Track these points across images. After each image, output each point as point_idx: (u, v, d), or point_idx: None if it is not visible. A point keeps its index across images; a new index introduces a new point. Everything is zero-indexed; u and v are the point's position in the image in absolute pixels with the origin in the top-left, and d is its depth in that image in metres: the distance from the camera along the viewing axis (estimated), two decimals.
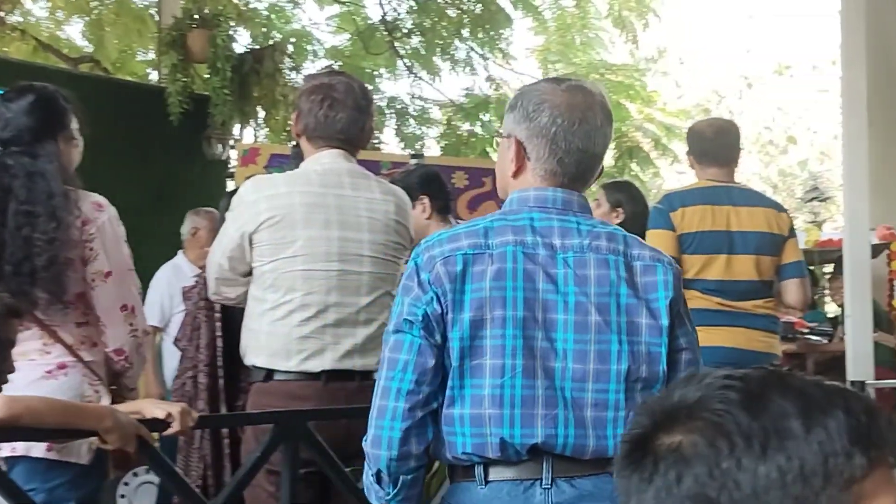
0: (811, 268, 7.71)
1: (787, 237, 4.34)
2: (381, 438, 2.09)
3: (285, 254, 3.12)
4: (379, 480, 2.13)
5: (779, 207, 4.45)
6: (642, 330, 2.11)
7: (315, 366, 3.11)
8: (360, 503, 2.39)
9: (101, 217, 3.01)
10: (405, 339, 2.10)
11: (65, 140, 3.07)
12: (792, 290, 4.33)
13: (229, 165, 8.21)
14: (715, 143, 4.38)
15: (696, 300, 4.12)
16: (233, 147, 8.16)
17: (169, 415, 2.57)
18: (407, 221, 3.37)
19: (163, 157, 7.41)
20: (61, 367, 2.92)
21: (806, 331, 7.06)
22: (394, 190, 3.39)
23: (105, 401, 2.97)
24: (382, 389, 2.12)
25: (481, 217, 2.19)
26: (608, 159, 12.59)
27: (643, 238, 3.18)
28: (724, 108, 18.65)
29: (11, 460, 2.80)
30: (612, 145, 11.52)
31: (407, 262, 3.25)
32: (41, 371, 2.89)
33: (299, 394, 3.07)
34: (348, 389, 3.12)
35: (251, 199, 3.17)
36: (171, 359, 5.12)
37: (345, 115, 3.24)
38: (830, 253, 7.99)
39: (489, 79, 11.74)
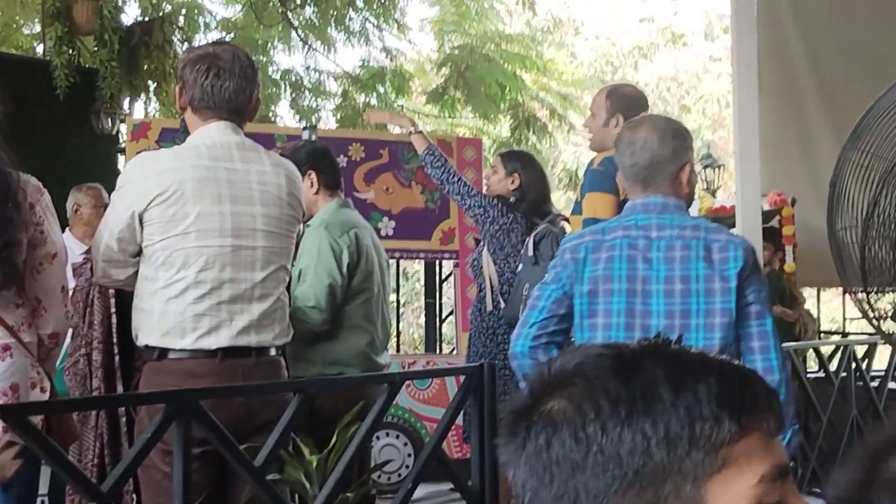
0: None
1: None
2: (515, 352, 3.00)
3: (177, 230, 3.04)
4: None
5: None
6: (716, 293, 2.90)
7: (211, 343, 3.05)
8: (256, 481, 2.35)
9: (43, 199, 3.00)
10: (546, 290, 3.05)
11: None
12: None
13: (120, 140, 8.04)
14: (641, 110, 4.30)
15: None
16: (123, 121, 7.98)
17: None
18: (299, 193, 3.31)
19: (50, 132, 7.22)
20: (5, 348, 2.87)
21: None
22: (284, 163, 3.33)
23: (46, 383, 2.96)
24: (523, 318, 3.04)
25: (606, 220, 3.21)
26: (504, 130, 12.70)
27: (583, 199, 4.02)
28: (618, 78, 18.84)
29: None
30: (507, 115, 11.62)
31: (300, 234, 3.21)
32: None
33: (195, 371, 3.02)
34: (245, 366, 3.08)
35: (139, 177, 3.08)
36: None
37: (232, 84, 3.15)
38: (724, 220, 8.15)
39: (385, 50, 11.69)
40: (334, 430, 2.86)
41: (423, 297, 10.04)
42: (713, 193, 10.51)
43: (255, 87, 3.24)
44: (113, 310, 3.55)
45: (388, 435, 6.95)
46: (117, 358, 3.52)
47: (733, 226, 5.84)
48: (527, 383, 1.02)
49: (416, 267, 15.32)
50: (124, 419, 3.49)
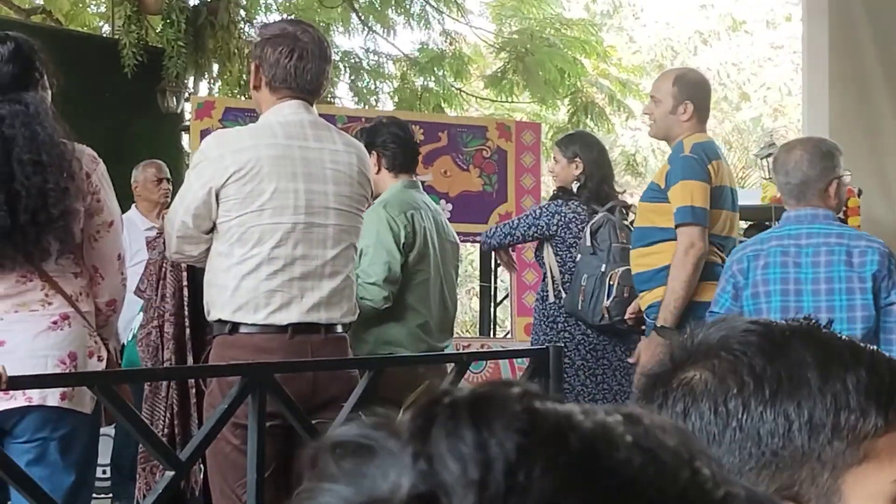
0: (766, 223, 7.78)
1: None
2: None
3: (252, 207, 3.09)
4: None
5: None
6: (856, 291, 3.43)
7: (282, 319, 3.09)
8: None
9: (99, 168, 3.04)
10: (720, 298, 3.65)
11: (42, 89, 3.06)
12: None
13: (184, 119, 8.12)
14: (709, 97, 4.36)
15: (714, 255, 4.11)
16: (187, 100, 8.06)
17: None
18: (369, 173, 3.37)
19: (116, 109, 7.32)
20: (64, 317, 2.92)
21: None
22: (354, 142, 3.38)
23: (103, 352, 3.01)
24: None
25: (765, 231, 3.82)
26: (562, 115, 12.65)
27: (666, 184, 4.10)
28: (678, 64, 18.68)
29: (24, 410, 2.81)
30: (566, 101, 11.56)
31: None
32: (46, 322, 2.89)
33: (265, 346, 3.06)
34: (313, 342, 3.13)
35: (216, 154, 3.13)
36: (126, 310, 5.10)
37: (314, 66, 3.19)
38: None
39: (444, 33, 11.68)
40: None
41: (477, 281, 10.04)
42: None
43: (329, 67, 3.30)
44: (185, 283, 3.62)
45: None
46: (188, 331, 3.59)
47: None
48: (667, 350, 1.01)
49: (471, 249, 15.32)
50: (194, 391, 3.56)
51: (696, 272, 3.99)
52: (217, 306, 3.15)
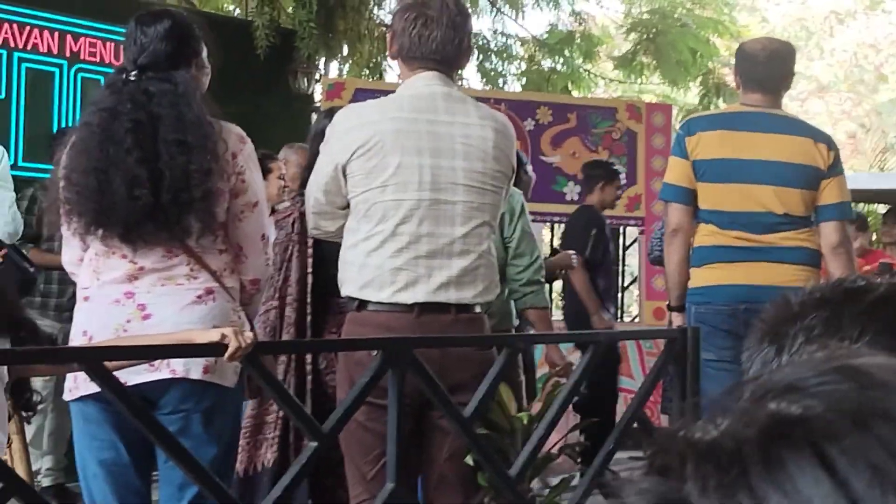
0: None
1: (829, 174, 3.99)
2: None
3: (376, 183, 3.05)
4: None
5: (819, 138, 4.08)
6: None
7: (408, 297, 3.03)
8: (465, 433, 2.36)
9: (245, 148, 3.04)
10: None
11: (197, 67, 3.08)
12: (827, 233, 3.96)
13: (314, 100, 8.21)
14: (765, 68, 4.06)
15: (714, 236, 3.97)
16: (318, 81, 8.14)
17: (224, 336, 2.55)
18: (508, 148, 3.22)
19: (249, 90, 7.42)
20: (209, 291, 2.95)
21: None
22: (494, 115, 3.25)
23: (247, 326, 3.02)
24: None
25: None
26: (691, 97, 12.39)
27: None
28: (813, 45, 18.18)
29: (168, 382, 2.85)
30: (697, 81, 11.34)
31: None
32: (191, 296, 2.93)
33: (392, 325, 3.02)
34: (442, 322, 3.05)
35: (343, 129, 3.11)
36: None
37: (439, 34, 3.10)
38: None
39: (573, 14, 11.55)
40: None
41: None
42: None
43: (465, 36, 3.19)
44: (310, 270, 3.64)
45: None
46: (309, 318, 3.61)
47: None
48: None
49: None
50: (309, 378, 3.62)
51: (671, 251, 4.07)
52: (346, 282, 3.14)
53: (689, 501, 0.48)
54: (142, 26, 3.01)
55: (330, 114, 4.13)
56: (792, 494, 0.47)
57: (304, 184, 4.14)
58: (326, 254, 3.76)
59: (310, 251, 3.73)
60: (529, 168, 5.45)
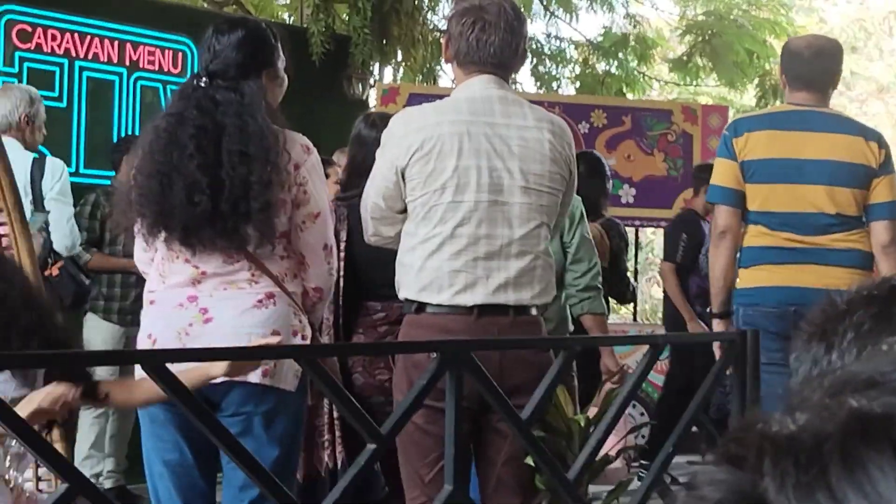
0: None
1: (880, 172, 3.93)
2: None
3: (434, 186, 3.05)
4: None
5: (870, 135, 4.01)
6: None
7: (467, 300, 3.04)
8: (524, 436, 2.36)
9: (310, 159, 3.06)
10: None
11: (269, 77, 3.10)
12: (878, 232, 3.91)
13: (369, 106, 8.26)
14: (811, 67, 4.00)
15: (762, 237, 3.91)
16: (372, 87, 8.18)
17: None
18: (566, 150, 3.21)
19: (304, 96, 7.47)
20: (269, 296, 2.97)
21: None
22: (550, 117, 3.25)
23: (308, 331, 3.06)
24: None
25: None
26: (748, 99, 12.28)
27: None
28: (872, 45, 17.94)
29: (229, 385, 2.88)
30: (754, 83, 11.24)
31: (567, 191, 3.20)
32: (252, 300, 2.96)
33: (451, 327, 3.02)
34: (501, 324, 3.05)
35: (400, 133, 3.11)
36: None
37: (497, 38, 3.11)
38: None
39: (628, 16, 11.51)
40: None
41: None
42: None
43: (522, 40, 3.20)
44: (342, 273, 3.68)
45: None
46: (340, 321, 3.66)
47: None
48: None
49: (650, 237, 15.07)
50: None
51: (717, 254, 3.98)
52: (404, 285, 3.15)
53: (765, 497, 0.47)
54: (217, 34, 3.04)
55: (367, 119, 4.16)
56: (872, 496, 0.46)
57: (343, 187, 4.18)
58: (357, 256, 3.80)
59: (342, 255, 3.76)
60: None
